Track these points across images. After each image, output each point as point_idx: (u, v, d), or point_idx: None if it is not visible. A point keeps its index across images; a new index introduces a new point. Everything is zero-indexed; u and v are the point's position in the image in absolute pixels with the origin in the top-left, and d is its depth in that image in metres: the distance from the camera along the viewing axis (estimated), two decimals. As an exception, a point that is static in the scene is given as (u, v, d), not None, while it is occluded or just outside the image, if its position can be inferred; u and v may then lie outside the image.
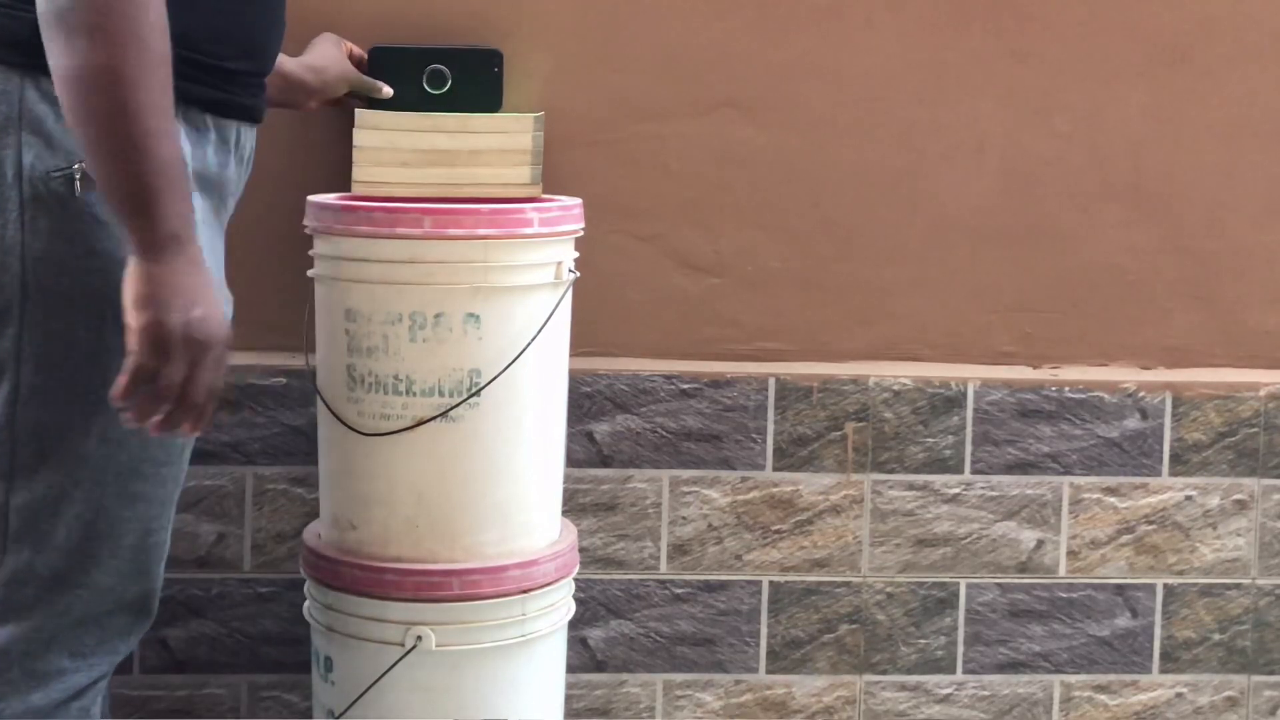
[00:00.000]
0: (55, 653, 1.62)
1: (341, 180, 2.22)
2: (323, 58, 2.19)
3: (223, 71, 1.65)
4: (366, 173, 2.16)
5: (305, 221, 2.09)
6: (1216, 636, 2.48)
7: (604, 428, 2.39)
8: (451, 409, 2.01)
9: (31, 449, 1.58)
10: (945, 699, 2.46)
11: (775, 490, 2.41)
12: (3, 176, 1.54)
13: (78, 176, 1.53)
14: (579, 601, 2.28)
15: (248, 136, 1.74)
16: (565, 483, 2.23)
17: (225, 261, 1.75)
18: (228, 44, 1.65)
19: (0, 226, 1.54)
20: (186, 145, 1.61)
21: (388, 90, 2.22)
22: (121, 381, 1.50)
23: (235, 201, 1.77)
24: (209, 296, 1.52)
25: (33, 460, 1.58)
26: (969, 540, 2.44)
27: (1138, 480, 2.45)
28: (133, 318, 1.49)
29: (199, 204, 1.64)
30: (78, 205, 1.54)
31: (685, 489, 2.40)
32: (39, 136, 1.54)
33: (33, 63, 1.51)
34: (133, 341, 1.50)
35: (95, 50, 1.43)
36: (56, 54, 1.45)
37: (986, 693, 2.46)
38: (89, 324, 1.56)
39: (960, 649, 2.45)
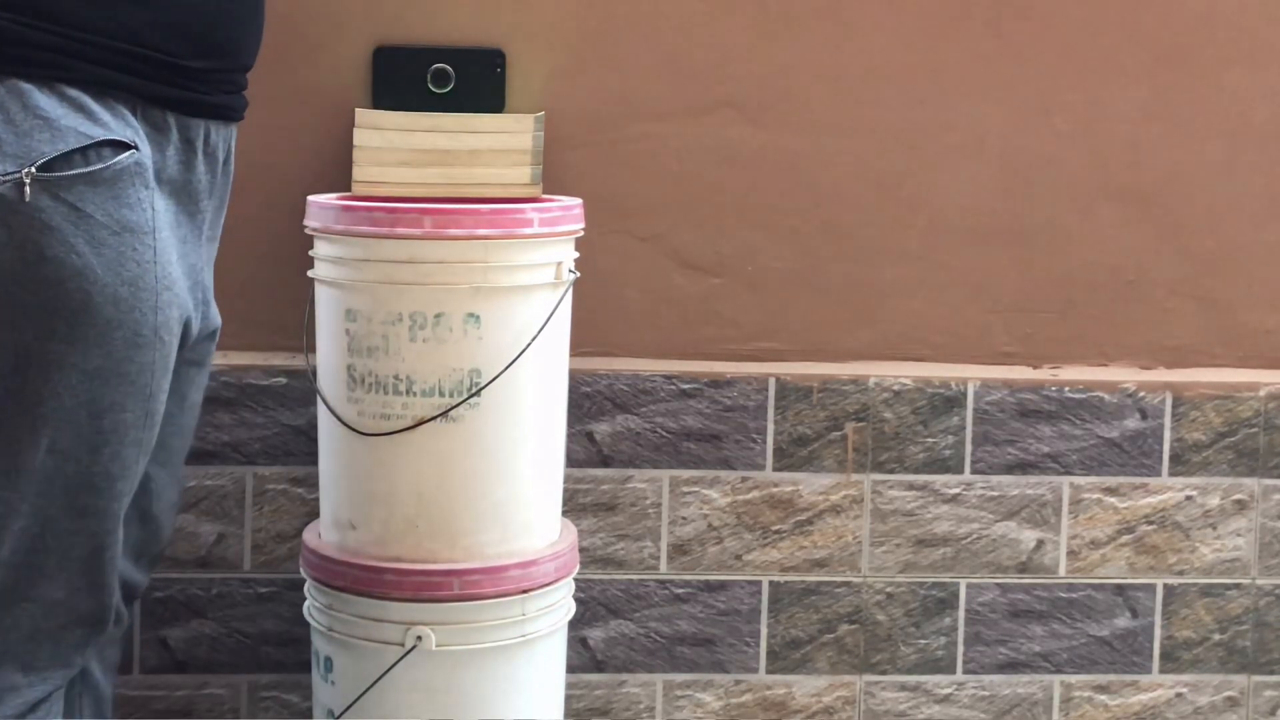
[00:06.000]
0: (7, 668, 1.58)
1: (341, 180, 2.22)
2: None
3: (181, 69, 1.61)
4: (366, 173, 2.16)
5: (305, 221, 2.09)
6: (1216, 636, 2.48)
7: (604, 428, 2.39)
8: (452, 409, 2.01)
9: None
10: (945, 699, 2.46)
11: (775, 490, 2.41)
12: None
13: (27, 182, 1.49)
14: (579, 601, 2.28)
15: (220, 135, 1.70)
16: (565, 483, 2.23)
17: (217, 266, 1.74)
18: (186, 41, 1.61)
19: None
20: (146, 145, 1.58)
21: None
22: None
23: (216, 204, 1.74)
24: None
25: None
26: (969, 540, 2.44)
27: (1138, 480, 2.45)
28: None
29: (163, 206, 1.60)
30: (27, 210, 1.50)
31: (685, 489, 2.40)
32: None
33: None
34: None
35: None
36: None
37: (986, 693, 2.46)
38: (39, 333, 1.52)
39: (960, 649, 2.45)
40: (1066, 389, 2.43)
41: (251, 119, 2.26)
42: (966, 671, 2.46)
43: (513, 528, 2.07)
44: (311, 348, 2.14)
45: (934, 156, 2.40)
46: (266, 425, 2.34)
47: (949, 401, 2.41)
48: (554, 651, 2.15)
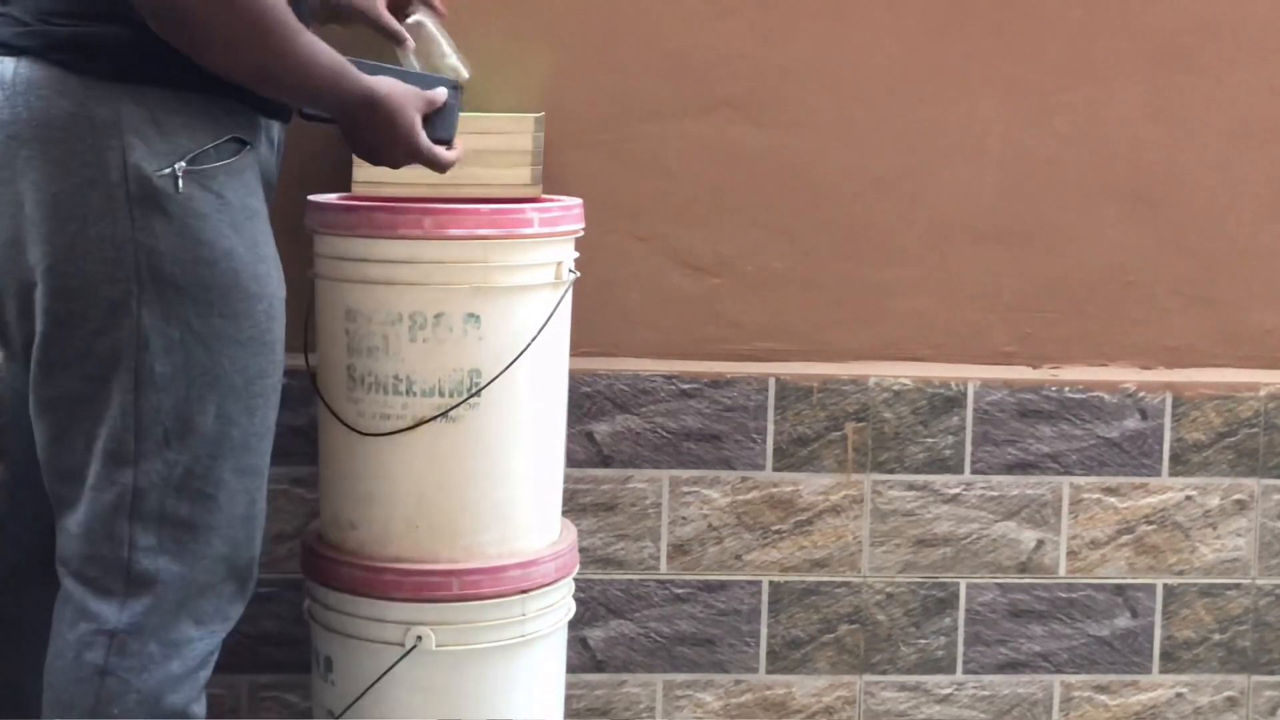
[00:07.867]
0: (183, 622, 1.72)
1: (341, 180, 2.22)
2: None
3: None
4: (366, 173, 2.16)
5: (305, 221, 2.10)
6: (1216, 636, 2.48)
7: (604, 428, 2.39)
8: (451, 409, 2.01)
9: (154, 432, 1.68)
10: (945, 699, 2.46)
11: (775, 490, 2.41)
12: (108, 177, 1.64)
13: (179, 174, 1.65)
14: (579, 601, 2.28)
15: (277, 130, 1.87)
16: (565, 483, 2.23)
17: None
18: None
19: (112, 224, 1.65)
20: (263, 151, 1.79)
21: (410, 42, 2.14)
22: None
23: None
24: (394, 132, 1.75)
25: (155, 443, 1.68)
26: (969, 540, 2.44)
27: (1138, 480, 2.45)
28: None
29: (260, 207, 1.76)
30: (181, 199, 1.66)
31: (685, 489, 2.40)
32: (140, 139, 1.64)
33: (127, 75, 1.64)
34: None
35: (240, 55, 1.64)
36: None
37: (986, 693, 2.46)
38: (199, 311, 1.68)
39: (960, 649, 2.45)
40: (1066, 389, 2.43)
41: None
42: (966, 671, 2.46)
43: (512, 528, 2.07)
44: (311, 348, 2.14)
45: (934, 156, 2.40)
46: (266, 425, 2.34)
47: (949, 401, 2.41)
48: (554, 651, 2.15)
